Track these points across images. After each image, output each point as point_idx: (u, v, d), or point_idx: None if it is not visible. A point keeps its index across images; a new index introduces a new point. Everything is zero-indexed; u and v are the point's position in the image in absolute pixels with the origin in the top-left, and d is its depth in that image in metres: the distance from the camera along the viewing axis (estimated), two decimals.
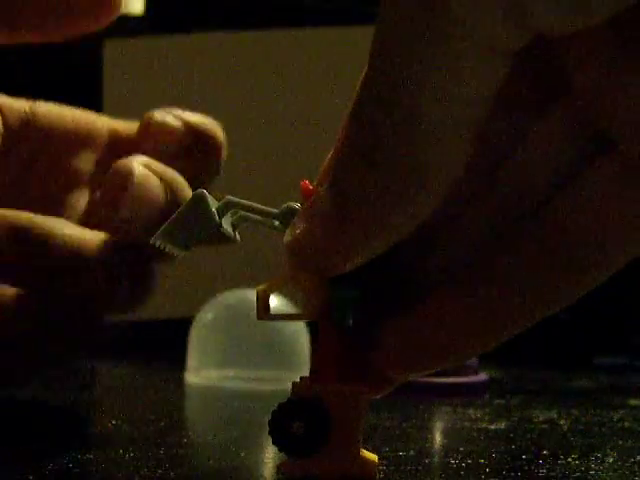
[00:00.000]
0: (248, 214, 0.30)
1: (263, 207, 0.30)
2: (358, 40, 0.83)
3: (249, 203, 0.30)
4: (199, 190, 0.30)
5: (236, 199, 0.30)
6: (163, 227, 0.30)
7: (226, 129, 0.43)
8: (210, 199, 0.30)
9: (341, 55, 0.78)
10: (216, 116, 0.43)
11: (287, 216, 0.29)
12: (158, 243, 0.30)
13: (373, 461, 0.30)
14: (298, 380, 0.30)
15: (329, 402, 0.29)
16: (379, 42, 0.24)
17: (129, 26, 1.19)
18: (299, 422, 0.29)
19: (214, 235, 0.30)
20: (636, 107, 0.25)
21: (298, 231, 0.27)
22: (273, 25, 0.81)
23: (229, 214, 0.30)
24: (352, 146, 0.25)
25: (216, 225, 0.30)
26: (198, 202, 0.30)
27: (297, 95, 0.77)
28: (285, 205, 0.29)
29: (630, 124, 0.26)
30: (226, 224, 0.30)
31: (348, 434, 0.29)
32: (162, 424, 0.41)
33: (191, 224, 0.30)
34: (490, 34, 0.23)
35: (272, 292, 0.29)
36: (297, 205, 0.29)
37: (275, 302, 0.31)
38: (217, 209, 0.30)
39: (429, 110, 0.24)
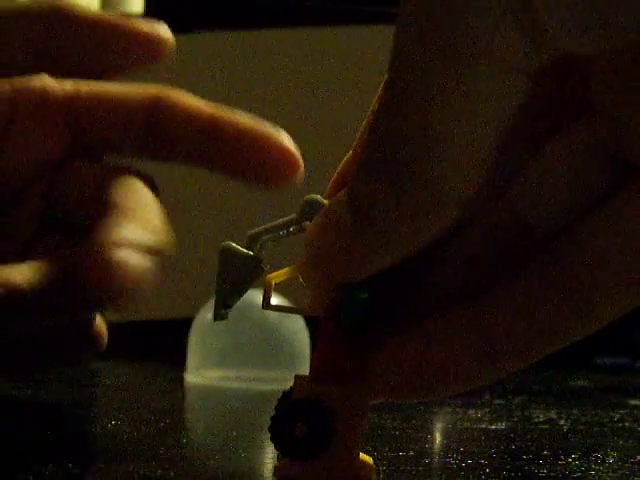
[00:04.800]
0: (272, 235, 0.30)
1: (282, 220, 0.30)
2: (358, 40, 0.83)
3: (269, 225, 0.30)
4: (222, 244, 0.30)
5: (256, 229, 0.30)
6: (215, 301, 0.30)
7: None
8: (234, 245, 0.30)
9: (341, 55, 0.78)
10: None
11: (310, 211, 0.29)
12: (222, 315, 0.30)
13: (371, 464, 0.29)
14: (295, 380, 0.29)
15: (332, 403, 0.28)
16: (398, 57, 0.24)
17: None
18: (302, 424, 0.28)
19: (258, 272, 0.30)
20: None
21: (314, 238, 0.27)
22: (273, 25, 0.81)
23: (258, 245, 0.30)
24: (369, 158, 0.25)
25: (257, 264, 0.30)
26: (228, 255, 0.30)
27: (297, 95, 0.77)
28: (305, 200, 0.29)
29: None
30: (260, 256, 0.30)
31: (349, 437, 0.28)
32: (162, 424, 0.41)
33: (236, 278, 0.30)
34: (508, 54, 0.23)
35: (279, 281, 0.30)
36: (316, 197, 0.29)
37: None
38: (248, 249, 0.30)
39: (446, 128, 0.24)
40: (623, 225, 0.26)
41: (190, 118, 0.38)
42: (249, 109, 0.37)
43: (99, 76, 0.39)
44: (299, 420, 0.28)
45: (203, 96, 0.39)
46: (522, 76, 0.23)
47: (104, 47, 0.39)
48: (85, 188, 0.37)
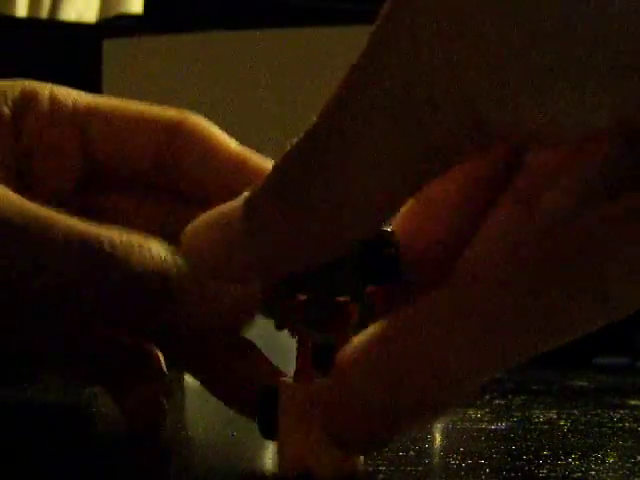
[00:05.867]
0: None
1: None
2: (358, 40, 0.83)
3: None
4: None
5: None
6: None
7: (225, 129, 0.43)
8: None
9: (342, 55, 0.78)
10: (215, 116, 0.43)
11: None
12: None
13: (358, 461, 0.30)
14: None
15: (281, 394, 0.30)
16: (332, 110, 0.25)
17: (128, 26, 1.19)
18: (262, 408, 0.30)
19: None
20: None
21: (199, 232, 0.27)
22: (273, 25, 0.81)
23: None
24: (276, 180, 0.26)
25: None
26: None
27: (297, 95, 0.77)
28: None
29: None
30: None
31: (297, 426, 0.29)
32: (162, 424, 0.41)
33: None
34: (447, 138, 0.23)
35: None
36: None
37: None
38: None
39: (351, 186, 0.24)
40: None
41: (212, 150, 0.37)
42: (249, 109, 0.37)
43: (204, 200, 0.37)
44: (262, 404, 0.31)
45: (202, 95, 0.39)
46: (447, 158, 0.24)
47: (218, 178, 0.37)
48: None
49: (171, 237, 0.36)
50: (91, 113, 0.38)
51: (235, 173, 0.36)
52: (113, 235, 0.33)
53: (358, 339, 0.26)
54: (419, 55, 0.23)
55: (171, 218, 0.38)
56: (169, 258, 0.33)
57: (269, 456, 0.35)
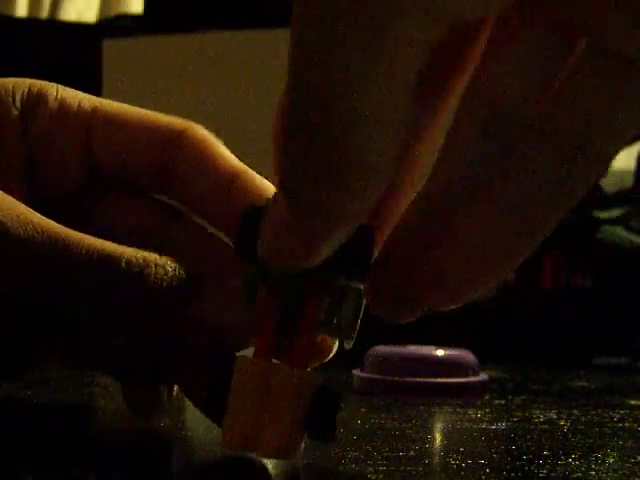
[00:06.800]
0: None
1: None
2: None
3: None
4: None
5: None
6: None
7: (225, 129, 0.43)
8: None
9: None
10: (215, 116, 0.43)
11: None
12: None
13: (301, 442, 0.31)
14: None
15: (236, 368, 0.30)
16: (299, 42, 0.25)
17: (128, 26, 1.19)
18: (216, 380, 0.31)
19: None
20: None
21: (271, 247, 0.28)
22: (273, 25, 0.81)
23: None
24: (289, 149, 0.26)
25: None
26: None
27: None
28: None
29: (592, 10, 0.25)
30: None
31: (276, 409, 0.30)
32: (162, 424, 0.41)
33: None
34: (404, 27, 0.23)
35: None
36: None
37: None
38: None
39: (353, 102, 0.24)
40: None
41: (209, 162, 0.37)
42: (249, 108, 0.37)
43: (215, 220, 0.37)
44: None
45: (202, 95, 0.39)
46: (422, 47, 0.24)
47: (212, 191, 0.37)
48: None
49: (169, 242, 0.37)
50: (96, 116, 0.38)
51: (228, 188, 0.36)
52: (129, 253, 0.34)
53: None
54: None
55: (168, 223, 0.38)
56: (182, 275, 0.34)
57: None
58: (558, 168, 0.26)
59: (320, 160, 0.25)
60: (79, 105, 0.38)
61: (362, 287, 0.30)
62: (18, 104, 0.38)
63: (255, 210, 0.29)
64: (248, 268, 0.31)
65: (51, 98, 0.38)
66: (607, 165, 0.27)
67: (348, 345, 0.32)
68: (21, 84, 0.38)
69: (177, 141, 0.37)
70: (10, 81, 0.38)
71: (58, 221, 0.34)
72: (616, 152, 0.27)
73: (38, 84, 0.38)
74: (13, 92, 0.37)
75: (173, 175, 0.37)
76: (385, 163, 0.25)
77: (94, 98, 0.38)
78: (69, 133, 0.38)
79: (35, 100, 0.38)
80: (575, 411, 0.47)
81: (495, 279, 0.28)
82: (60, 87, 0.38)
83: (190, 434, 0.41)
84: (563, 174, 0.26)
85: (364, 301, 0.30)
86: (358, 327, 0.31)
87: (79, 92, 0.39)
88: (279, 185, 0.27)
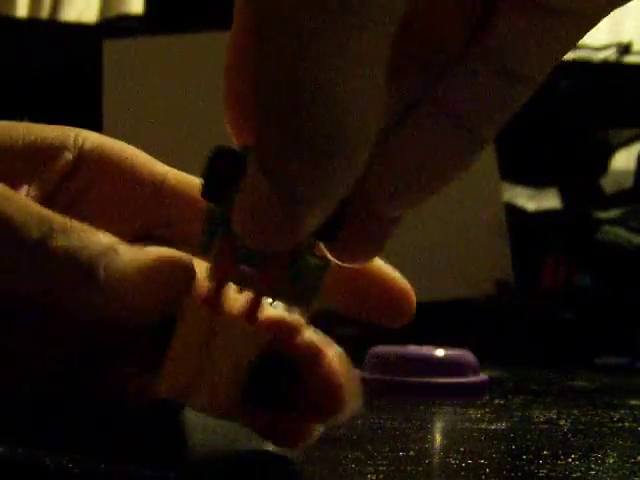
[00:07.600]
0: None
1: None
2: None
3: None
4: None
5: None
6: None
7: (224, 129, 0.43)
8: None
9: None
10: (215, 116, 0.43)
11: None
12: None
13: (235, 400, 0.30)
14: None
15: (183, 313, 0.29)
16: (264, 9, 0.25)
17: (128, 26, 1.19)
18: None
19: None
20: None
21: (246, 222, 0.27)
22: None
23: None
24: (266, 119, 0.25)
25: None
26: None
27: None
28: None
29: None
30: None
31: (215, 361, 0.29)
32: (162, 424, 0.41)
33: None
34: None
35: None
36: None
37: None
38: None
39: (329, 70, 0.24)
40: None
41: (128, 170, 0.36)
42: None
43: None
44: None
45: (202, 96, 0.39)
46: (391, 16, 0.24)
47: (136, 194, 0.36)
48: None
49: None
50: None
51: (153, 192, 0.36)
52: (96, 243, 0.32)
53: None
54: None
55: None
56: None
57: (269, 456, 0.35)
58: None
59: (301, 137, 0.25)
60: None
61: (327, 258, 0.29)
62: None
63: (220, 151, 0.29)
64: (212, 211, 0.29)
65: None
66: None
67: (304, 316, 0.31)
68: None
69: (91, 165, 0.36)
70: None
71: None
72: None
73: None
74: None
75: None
76: (367, 135, 0.25)
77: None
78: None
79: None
80: (575, 411, 0.47)
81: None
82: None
83: (190, 434, 0.41)
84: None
85: (325, 271, 0.30)
86: (317, 297, 0.30)
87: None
88: (257, 164, 0.26)
